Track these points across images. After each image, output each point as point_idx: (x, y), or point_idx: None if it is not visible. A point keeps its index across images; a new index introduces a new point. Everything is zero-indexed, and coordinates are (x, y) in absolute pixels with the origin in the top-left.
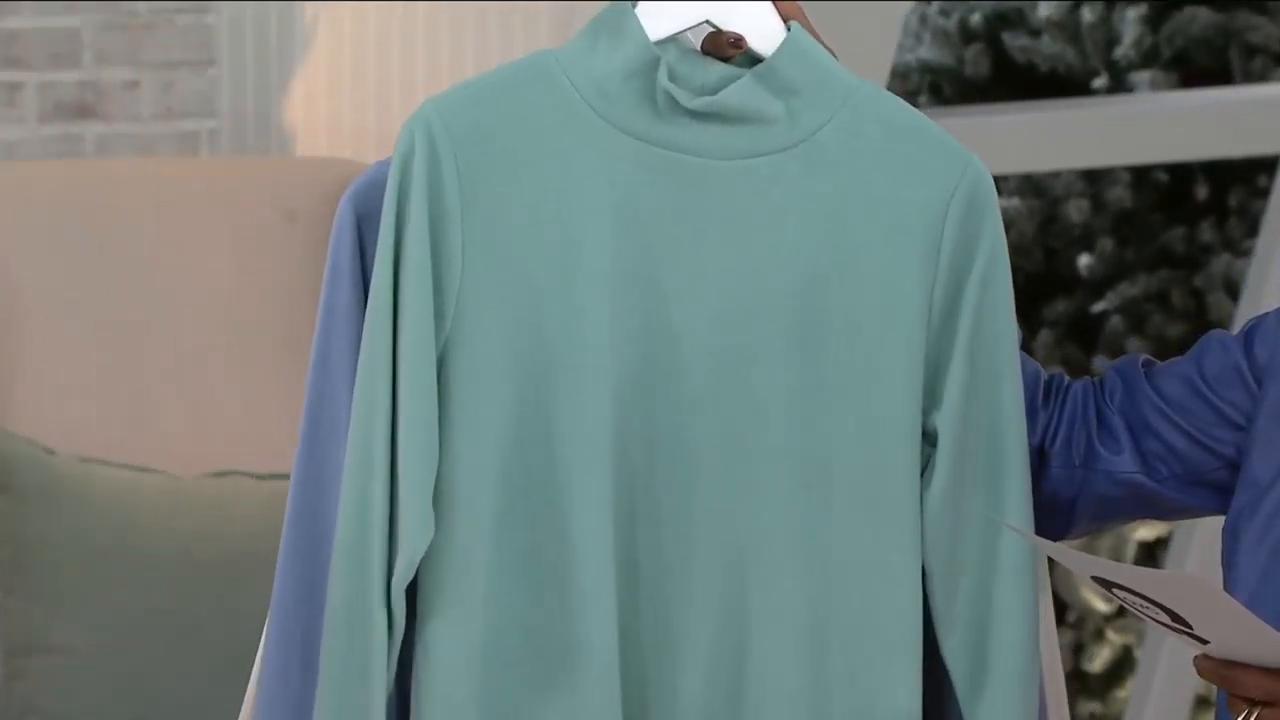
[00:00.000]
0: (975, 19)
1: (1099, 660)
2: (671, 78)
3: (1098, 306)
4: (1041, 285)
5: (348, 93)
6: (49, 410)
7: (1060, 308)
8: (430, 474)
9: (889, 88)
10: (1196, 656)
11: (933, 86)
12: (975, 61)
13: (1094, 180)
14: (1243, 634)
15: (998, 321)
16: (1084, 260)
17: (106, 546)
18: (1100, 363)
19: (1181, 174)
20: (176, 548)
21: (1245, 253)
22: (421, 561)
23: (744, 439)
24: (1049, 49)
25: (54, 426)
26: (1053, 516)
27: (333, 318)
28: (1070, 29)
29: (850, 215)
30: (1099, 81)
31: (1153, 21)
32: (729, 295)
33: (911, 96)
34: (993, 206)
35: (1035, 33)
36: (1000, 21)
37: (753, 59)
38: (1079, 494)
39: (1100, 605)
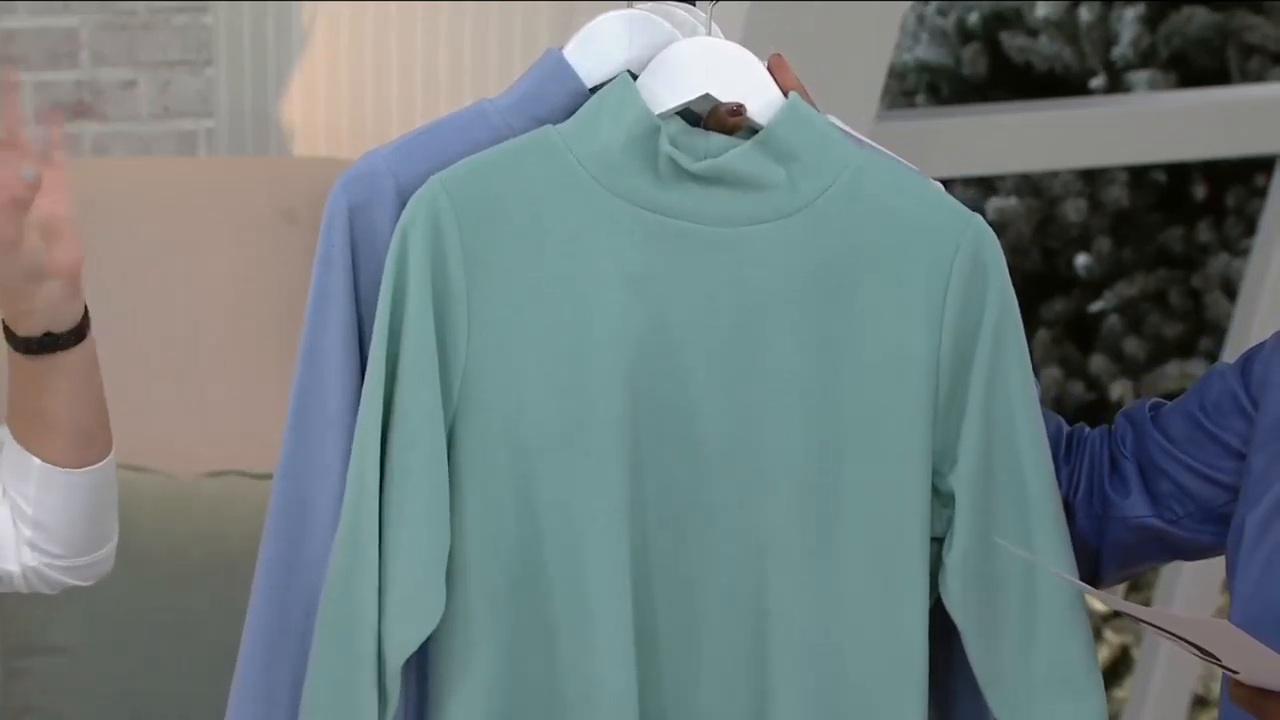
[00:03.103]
0: (973, 18)
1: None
2: (673, 145)
3: (1095, 306)
4: (1039, 285)
5: (345, 92)
6: None
7: (1058, 307)
8: (444, 549)
9: (886, 88)
10: (1230, 684)
11: (930, 86)
12: (973, 61)
13: (1092, 180)
14: (1274, 672)
15: (1010, 380)
16: (1081, 260)
17: None
18: (1097, 362)
19: (1179, 174)
20: (174, 547)
21: (1243, 252)
22: (431, 636)
23: (758, 501)
24: (1047, 49)
25: None
26: (1082, 570)
27: (323, 309)
28: (1068, 29)
29: (855, 278)
30: (1097, 81)
31: (1150, 21)
32: (739, 361)
33: (909, 96)
34: (998, 265)
35: (1033, 32)
36: (998, 21)
37: (754, 131)
38: (1102, 544)
39: (1098, 605)
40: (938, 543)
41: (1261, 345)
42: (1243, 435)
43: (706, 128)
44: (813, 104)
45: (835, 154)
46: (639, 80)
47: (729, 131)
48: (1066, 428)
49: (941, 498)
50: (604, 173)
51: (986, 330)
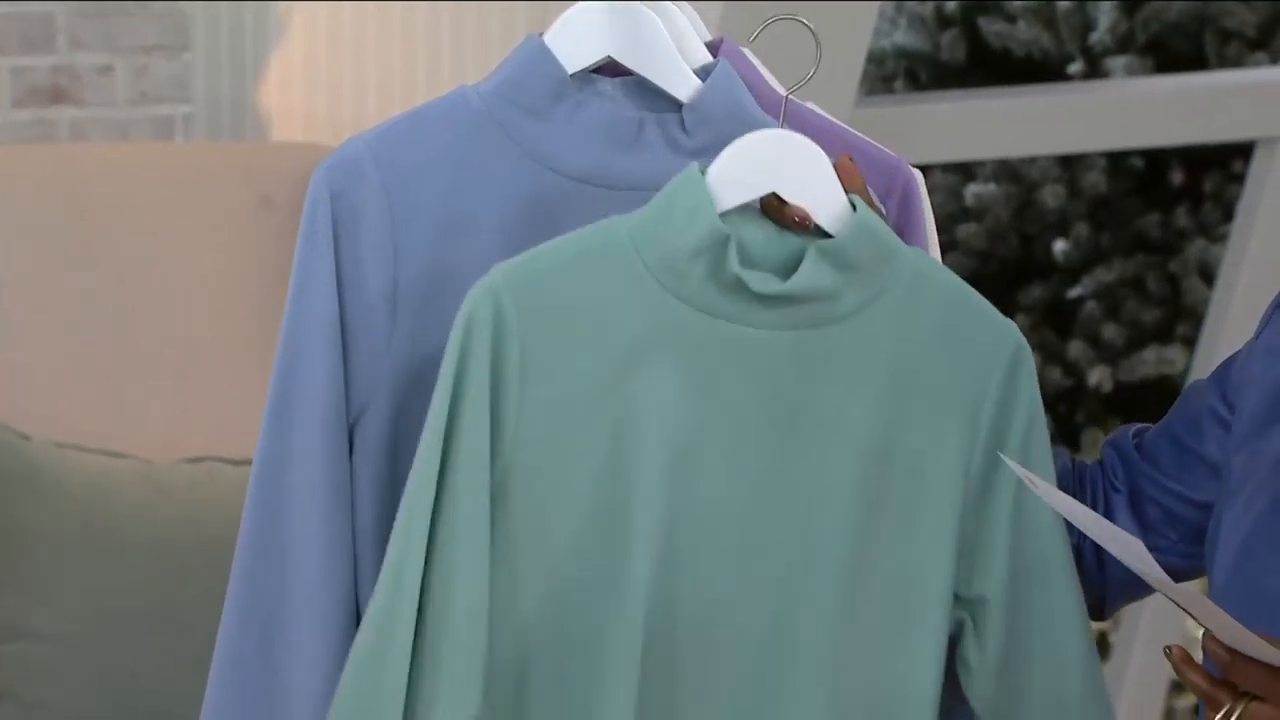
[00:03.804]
0: (951, 4)
1: None
2: (741, 258)
3: (1073, 292)
4: (1017, 270)
5: (323, 78)
6: (23, 396)
7: (1036, 293)
8: (483, 646)
9: (865, 74)
10: (1206, 637)
11: (908, 72)
12: (951, 47)
13: (1069, 166)
14: (1247, 642)
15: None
16: (1059, 245)
17: (82, 532)
18: (1076, 348)
19: (1157, 159)
20: (152, 533)
21: (1220, 238)
22: None
23: (789, 604)
24: (1025, 34)
25: (29, 412)
26: (1088, 607)
27: (305, 296)
28: (1046, 14)
29: (900, 386)
30: (1075, 67)
31: (1128, 7)
32: (783, 464)
33: (887, 82)
34: (1029, 372)
35: (1011, 18)
36: (976, 7)
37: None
38: (1105, 584)
39: None
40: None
41: (1235, 356)
42: (1224, 447)
43: (765, 213)
44: (871, 202)
45: (893, 263)
46: (709, 173)
47: (790, 226)
48: (1071, 467)
49: (965, 602)
50: (668, 276)
51: (1015, 439)
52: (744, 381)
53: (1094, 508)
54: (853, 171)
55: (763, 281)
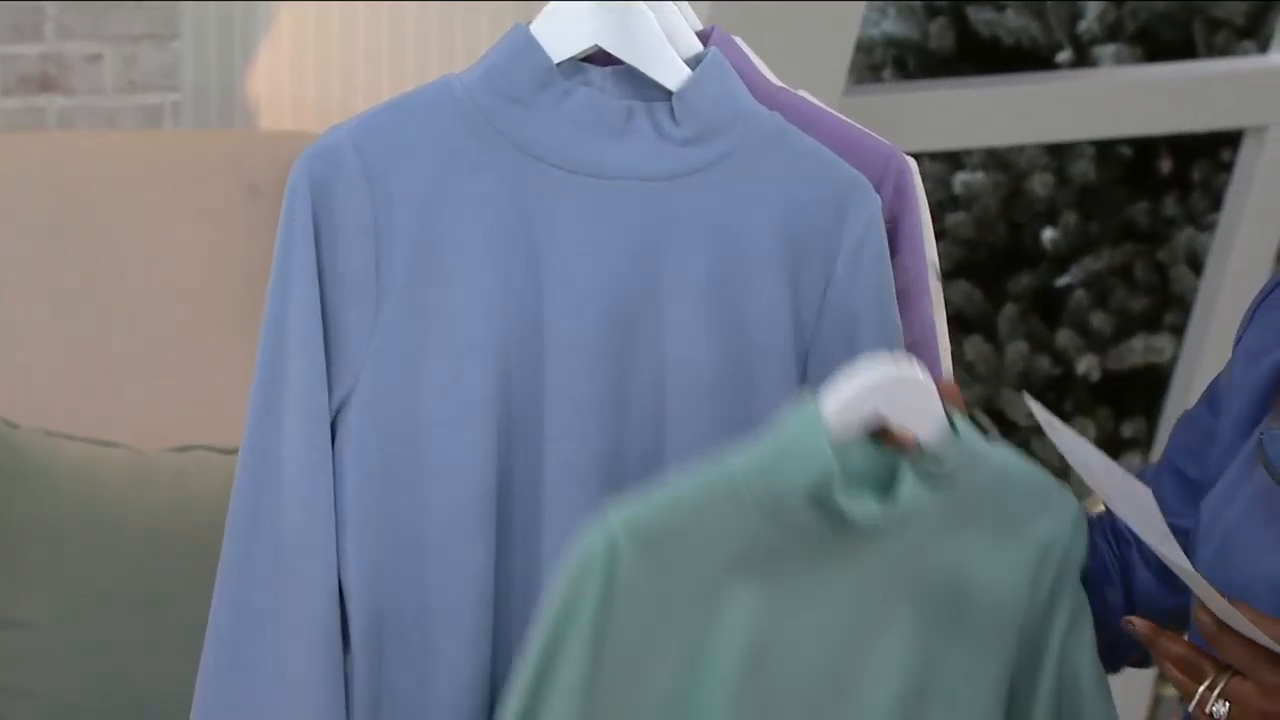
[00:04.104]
0: None
1: None
2: (845, 485)
3: (1061, 280)
4: (1005, 259)
5: (311, 66)
6: (12, 385)
7: (1024, 281)
8: None
9: (853, 62)
10: (1196, 607)
11: (897, 60)
12: (940, 35)
13: (1058, 154)
14: (1236, 622)
15: (1083, 632)
16: (1048, 234)
17: (71, 520)
18: (1064, 336)
19: (1145, 148)
20: (141, 521)
21: (1209, 227)
22: None
23: None
24: (1013, 23)
25: (17, 401)
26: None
27: (285, 284)
28: (1034, 3)
29: (978, 566)
30: (1063, 55)
31: None
32: (859, 668)
33: (876, 71)
34: (1084, 531)
35: (1000, 7)
36: None
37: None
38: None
39: None
40: None
41: (1219, 376)
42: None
43: (871, 434)
44: (972, 414)
45: (974, 463)
46: (826, 408)
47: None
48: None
49: None
50: (772, 505)
51: (1063, 616)
52: (828, 591)
53: (1111, 572)
54: (955, 394)
55: (865, 511)
